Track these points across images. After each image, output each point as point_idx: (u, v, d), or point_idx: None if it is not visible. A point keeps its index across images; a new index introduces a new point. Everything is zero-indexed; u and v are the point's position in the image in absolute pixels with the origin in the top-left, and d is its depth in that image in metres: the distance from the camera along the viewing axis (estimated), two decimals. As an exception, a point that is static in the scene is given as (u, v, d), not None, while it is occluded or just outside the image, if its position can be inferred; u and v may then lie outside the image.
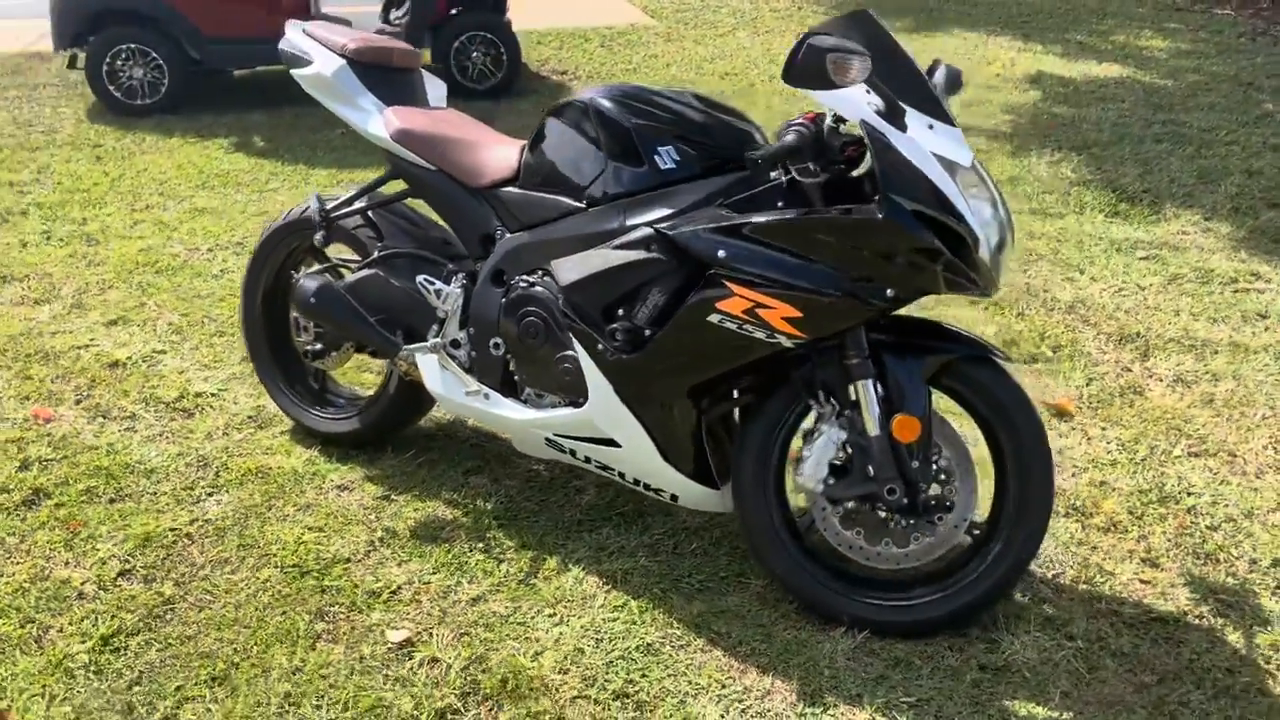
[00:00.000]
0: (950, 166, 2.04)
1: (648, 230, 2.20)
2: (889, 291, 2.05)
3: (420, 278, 2.64)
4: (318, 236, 2.73)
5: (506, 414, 2.55)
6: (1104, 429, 3.05)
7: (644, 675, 2.21)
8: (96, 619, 2.34)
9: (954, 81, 2.38)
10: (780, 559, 2.34)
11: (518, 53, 6.69)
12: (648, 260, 2.20)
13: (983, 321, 3.66)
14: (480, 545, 2.59)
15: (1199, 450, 2.95)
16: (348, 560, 2.55)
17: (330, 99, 2.74)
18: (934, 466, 2.23)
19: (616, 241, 2.25)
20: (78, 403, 3.21)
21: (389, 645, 2.28)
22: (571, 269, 2.31)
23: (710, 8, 9.35)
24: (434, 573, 2.50)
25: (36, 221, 4.64)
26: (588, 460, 2.50)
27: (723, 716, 2.10)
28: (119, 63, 6.08)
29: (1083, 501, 2.72)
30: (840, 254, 2.05)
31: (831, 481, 2.24)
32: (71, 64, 6.32)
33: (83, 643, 2.27)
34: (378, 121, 2.67)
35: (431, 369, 2.64)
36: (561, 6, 9.01)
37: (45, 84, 6.99)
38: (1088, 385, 3.28)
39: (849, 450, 2.24)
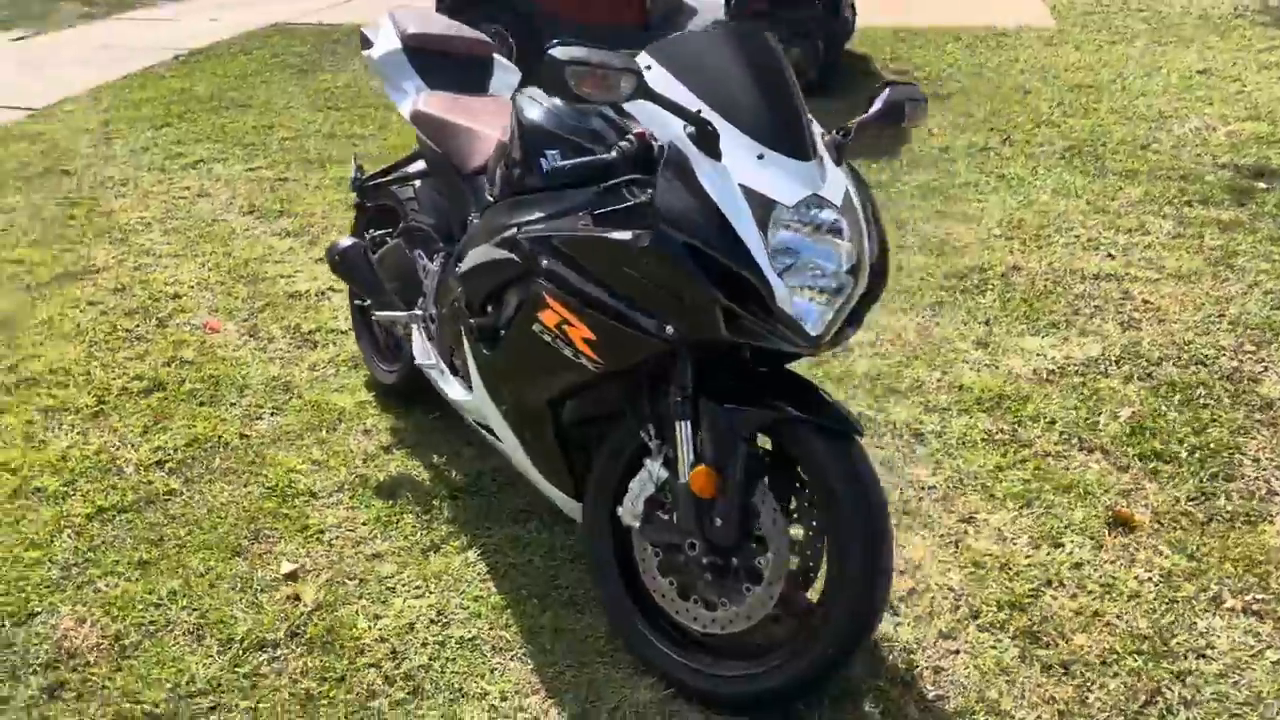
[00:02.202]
0: (764, 203, 1.80)
1: (512, 231, 2.19)
2: (668, 328, 1.87)
3: (417, 252, 2.82)
4: (355, 201, 3.01)
5: (447, 390, 2.67)
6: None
7: (444, 665, 2.25)
8: (109, 493, 2.84)
9: (895, 110, 2.08)
10: (607, 588, 2.23)
11: (837, 50, 6.49)
12: (505, 261, 2.18)
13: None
14: (419, 510, 2.74)
15: None
16: (313, 495, 2.82)
17: (381, 79, 2.99)
18: (749, 532, 2.00)
19: (495, 239, 2.26)
20: (244, 321, 3.82)
21: (277, 575, 2.53)
22: (466, 260, 2.36)
23: (1128, 11, 8.30)
24: (363, 523, 2.70)
25: (338, 170, 5.45)
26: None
27: (474, 726, 2.09)
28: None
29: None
30: (620, 279, 1.90)
31: (648, 521, 2.09)
32: None
33: (84, 507, 2.77)
34: (408, 103, 2.88)
35: (416, 338, 2.82)
36: (964, 2, 8.54)
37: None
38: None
39: (669, 493, 2.07)
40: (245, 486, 2.87)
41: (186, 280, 4.15)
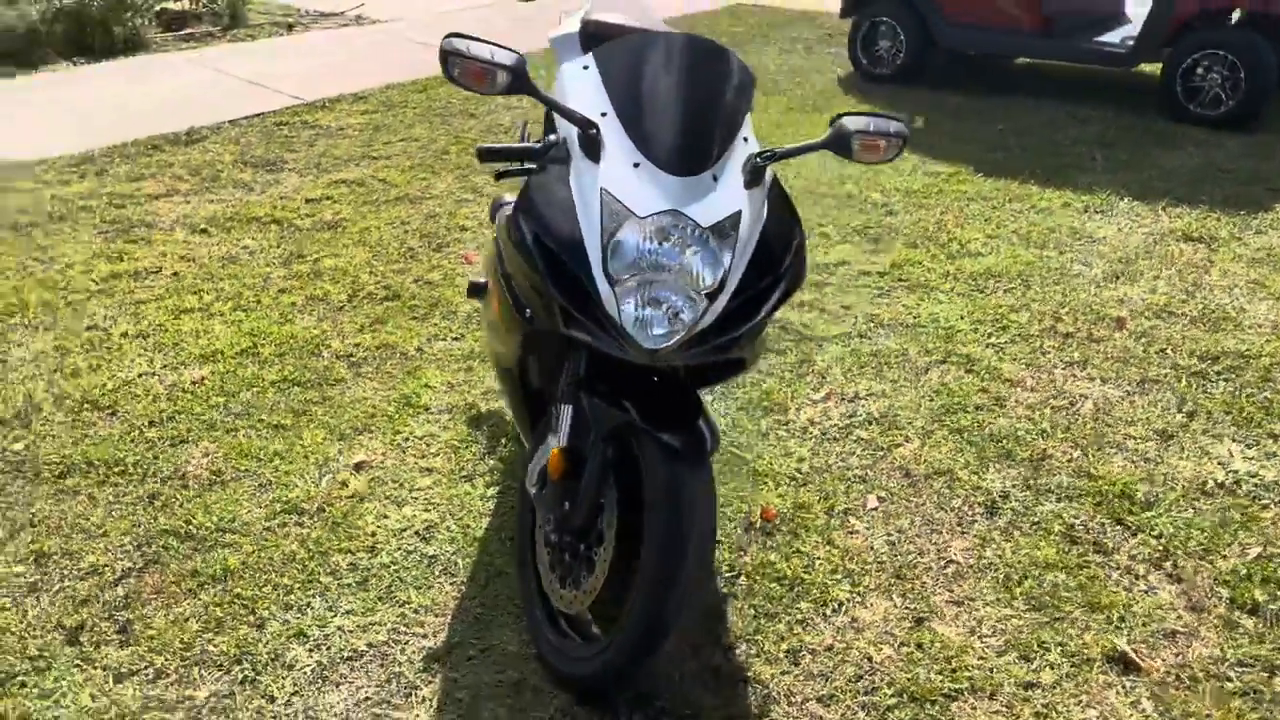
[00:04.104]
0: (617, 211, 1.86)
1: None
2: (528, 312, 1.98)
3: None
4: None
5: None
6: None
7: (398, 572, 2.57)
8: (298, 369, 3.50)
9: (840, 142, 2.01)
10: (518, 549, 2.39)
11: (1267, 79, 5.53)
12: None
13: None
14: (484, 444, 3.06)
15: None
16: (425, 409, 3.26)
17: (554, 60, 3.25)
18: (595, 522, 2.06)
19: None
20: (466, 252, 4.36)
21: (349, 462, 3.00)
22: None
23: None
24: (440, 441, 3.08)
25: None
26: None
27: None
28: (874, 33, 6.82)
29: None
30: (510, 260, 2.04)
31: (540, 491, 2.23)
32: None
33: (274, 374, 3.45)
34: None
35: None
36: None
37: (820, 38, 8.30)
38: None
39: (559, 467, 2.19)
40: (388, 389, 3.38)
41: (481, 218, 4.79)
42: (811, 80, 7.16)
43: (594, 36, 3.21)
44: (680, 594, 1.93)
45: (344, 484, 2.90)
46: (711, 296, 1.88)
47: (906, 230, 4.58)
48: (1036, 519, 2.72)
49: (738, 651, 2.31)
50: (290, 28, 8.60)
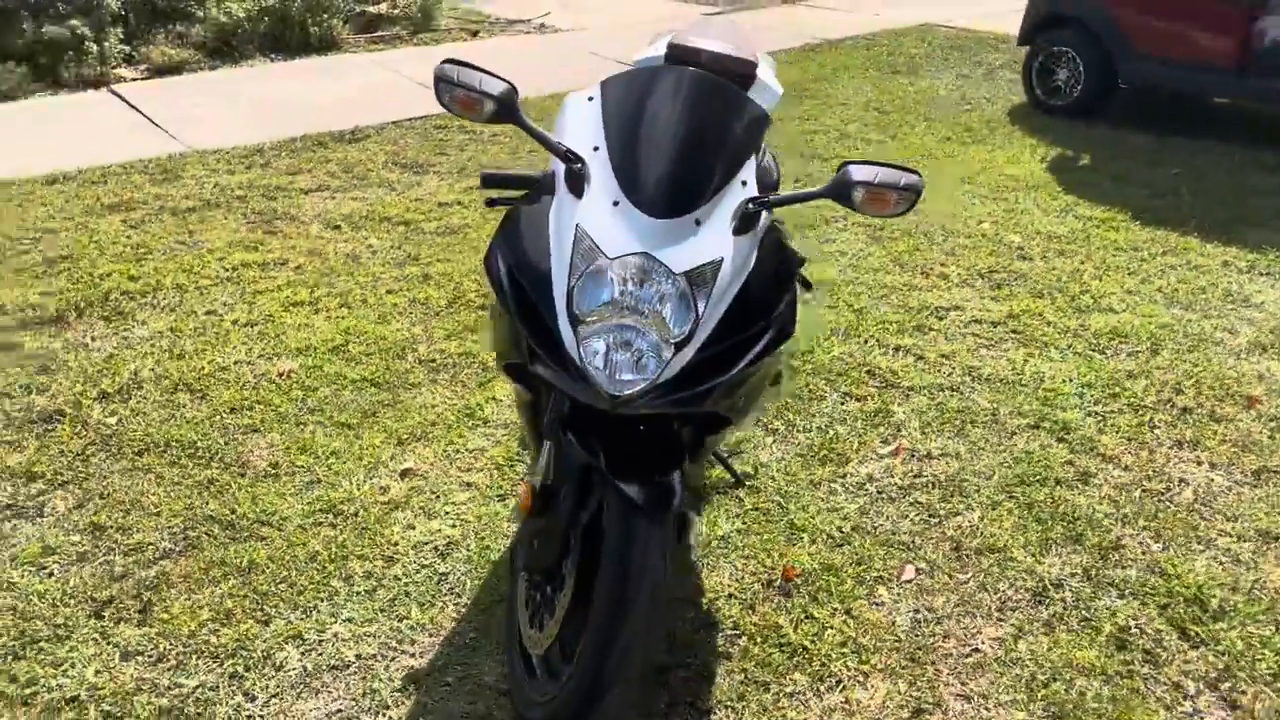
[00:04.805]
0: (590, 250, 1.79)
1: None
2: (505, 341, 1.95)
3: None
4: None
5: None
6: None
7: (408, 585, 2.59)
8: (380, 369, 3.60)
9: (841, 191, 1.88)
10: (511, 594, 2.35)
11: None
12: None
13: None
14: (528, 464, 3.05)
15: None
16: (485, 422, 3.28)
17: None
18: (562, 564, 2.01)
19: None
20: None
21: (398, 468, 3.05)
22: None
23: None
24: (486, 457, 3.10)
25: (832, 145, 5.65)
26: None
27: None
28: (1051, 63, 6.41)
29: None
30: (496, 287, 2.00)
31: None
32: None
33: (355, 374, 3.57)
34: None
35: None
36: None
37: (1004, 64, 7.88)
38: None
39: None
40: (456, 398, 3.43)
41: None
42: (981, 109, 6.81)
43: (678, 61, 3.14)
44: (622, 653, 1.85)
45: (385, 489, 2.96)
46: (679, 346, 1.79)
47: (1036, 278, 4.27)
48: (1087, 615, 2.47)
49: (714, 718, 2.20)
50: (475, 33, 8.92)
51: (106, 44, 7.38)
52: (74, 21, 7.27)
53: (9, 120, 6.43)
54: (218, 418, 3.30)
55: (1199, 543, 2.71)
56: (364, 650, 2.39)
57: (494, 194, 2.08)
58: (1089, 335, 3.80)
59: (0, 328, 3.85)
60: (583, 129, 1.96)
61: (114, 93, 6.95)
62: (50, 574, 2.62)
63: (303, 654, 2.38)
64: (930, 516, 2.83)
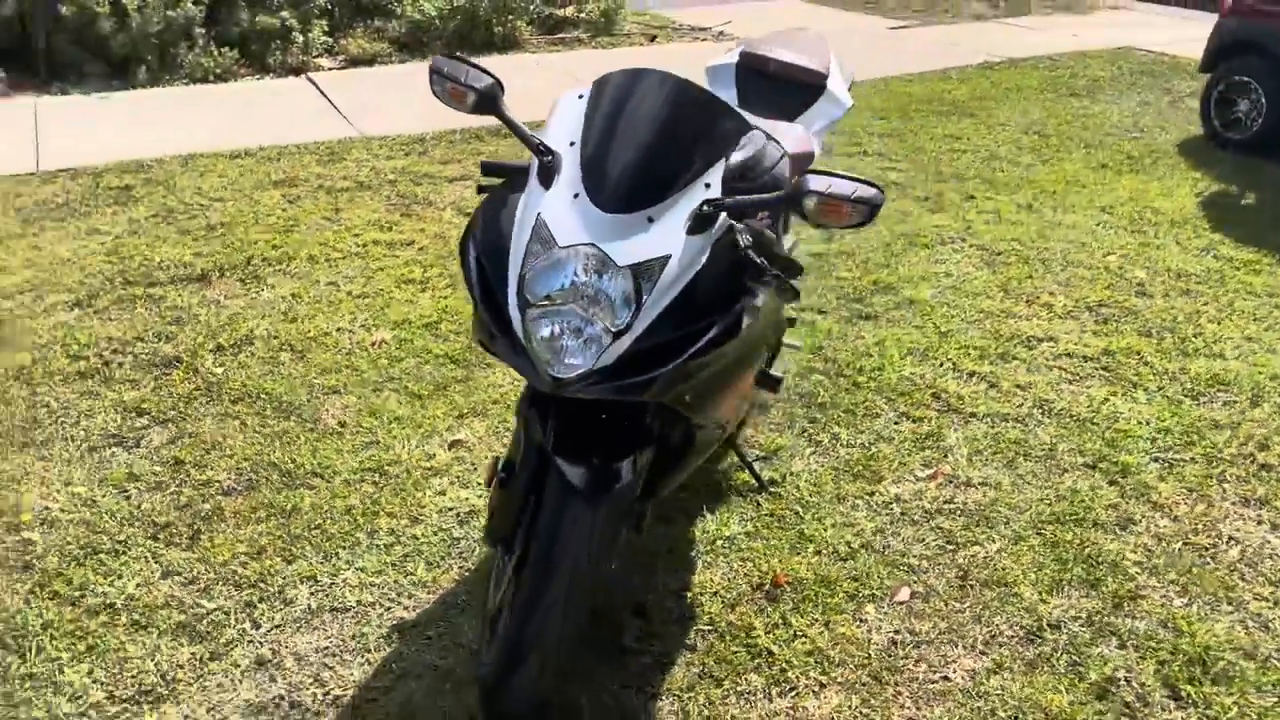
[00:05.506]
0: (545, 238, 1.90)
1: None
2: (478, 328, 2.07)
3: None
4: None
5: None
6: None
7: (422, 548, 2.77)
8: (431, 344, 3.82)
9: (794, 200, 1.91)
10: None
11: None
12: None
13: None
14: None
15: None
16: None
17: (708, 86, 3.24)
18: (516, 533, 2.13)
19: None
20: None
21: (449, 439, 3.25)
22: None
23: None
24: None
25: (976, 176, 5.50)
26: None
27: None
28: (1232, 93, 5.97)
29: None
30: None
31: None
32: None
33: (405, 352, 3.80)
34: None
35: None
36: None
37: (1193, 92, 7.36)
38: None
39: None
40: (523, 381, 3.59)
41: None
42: (1151, 137, 6.43)
43: (749, 69, 3.20)
44: (539, 626, 1.95)
45: (431, 456, 3.16)
46: (618, 335, 1.87)
47: (1149, 315, 4.04)
48: (1076, 660, 2.37)
49: (659, 704, 2.26)
50: (653, 38, 9.14)
51: (311, 35, 8.04)
52: (284, 13, 7.96)
53: (217, 100, 7.12)
54: (309, 377, 3.60)
55: (1229, 603, 2.54)
56: (365, 598, 2.59)
57: (484, 181, 2.22)
58: (1185, 379, 3.58)
59: (153, 281, 4.32)
60: (565, 124, 2.07)
61: (310, 80, 7.57)
62: (128, 497, 2.96)
63: (312, 593, 2.60)
64: (947, 543, 2.77)
